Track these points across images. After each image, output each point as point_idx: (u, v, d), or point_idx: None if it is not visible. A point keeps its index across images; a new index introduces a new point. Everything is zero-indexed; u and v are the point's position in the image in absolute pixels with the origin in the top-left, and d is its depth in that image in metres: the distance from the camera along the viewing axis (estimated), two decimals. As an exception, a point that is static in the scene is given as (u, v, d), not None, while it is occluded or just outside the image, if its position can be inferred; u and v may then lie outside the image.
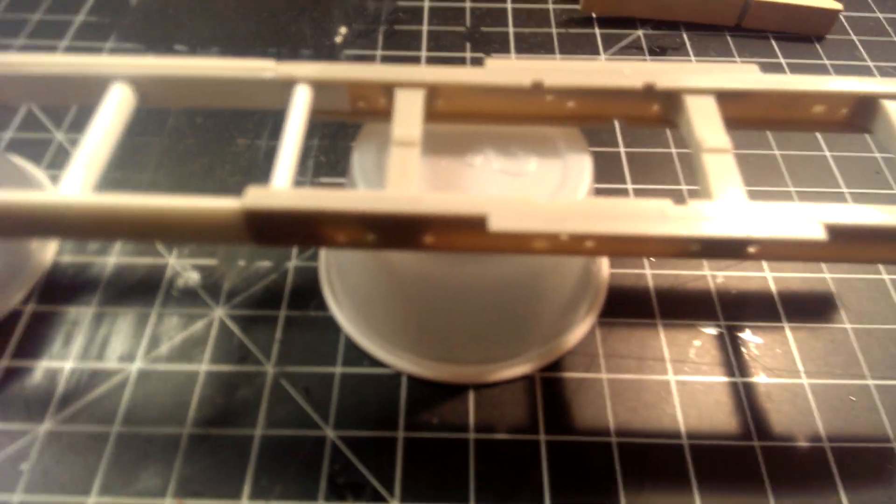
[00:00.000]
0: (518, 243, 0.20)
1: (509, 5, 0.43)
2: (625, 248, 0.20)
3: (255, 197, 0.19)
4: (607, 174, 0.33)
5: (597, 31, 0.42)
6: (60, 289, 0.28)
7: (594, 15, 0.43)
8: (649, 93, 0.24)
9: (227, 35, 0.41)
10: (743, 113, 0.25)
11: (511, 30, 0.41)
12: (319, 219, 0.20)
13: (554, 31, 0.41)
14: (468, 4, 0.43)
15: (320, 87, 0.24)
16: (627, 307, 0.28)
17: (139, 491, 0.23)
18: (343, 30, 0.41)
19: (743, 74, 0.24)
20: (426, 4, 0.43)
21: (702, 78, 0.24)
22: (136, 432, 0.24)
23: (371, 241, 0.20)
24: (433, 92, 0.24)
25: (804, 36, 0.42)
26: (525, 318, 0.25)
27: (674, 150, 0.34)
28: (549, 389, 0.25)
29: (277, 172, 0.21)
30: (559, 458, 0.24)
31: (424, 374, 0.26)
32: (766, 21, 0.42)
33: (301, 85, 0.24)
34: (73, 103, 0.25)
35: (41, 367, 0.26)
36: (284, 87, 0.24)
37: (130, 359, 0.26)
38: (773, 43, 0.41)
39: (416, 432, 0.24)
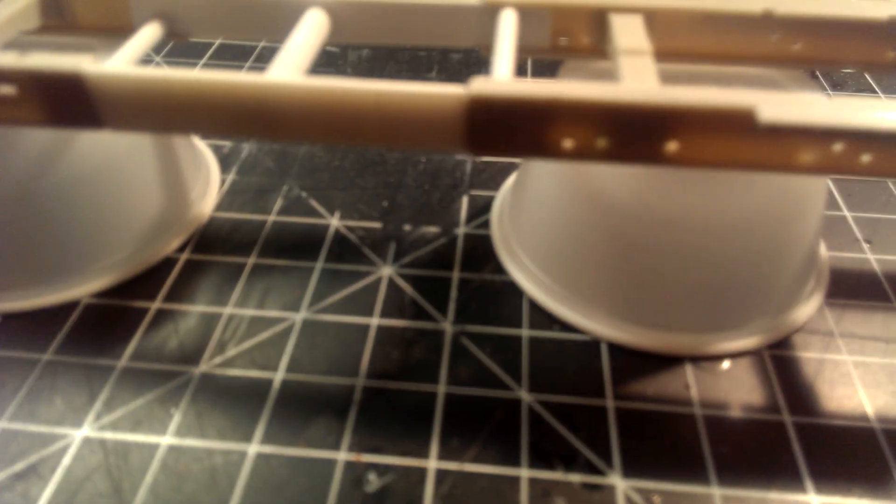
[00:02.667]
0: (783, 153, 0.17)
1: None
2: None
3: (483, 84, 0.17)
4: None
5: None
6: (218, 241, 0.26)
7: None
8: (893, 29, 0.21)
9: None
10: None
11: None
12: (552, 111, 0.17)
13: None
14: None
15: (525, 14, 0.22)
16: (856, 290, 0.24)
17: (309, 441, 0.19)
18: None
19: None
20: None
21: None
22: (304, 380, 0.21)
23: (602, 149, 0.18)
24: (649, 22, 0.22)
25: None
26: (760, 279, 0.21)
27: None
28: (784, 368, 0.21)
29: (497, 68, 0.19)
30: (814, 443, 0.19)
31: (629, 341, 0.22)
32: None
33: (507, 10, 0.22)
34: (265, 36, 0.23)
35: (195, 311, 0.23)
36: (488, 16, 0.22)
37: (294, 308, 0.23)
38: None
39: (628, 402, 0.20)
